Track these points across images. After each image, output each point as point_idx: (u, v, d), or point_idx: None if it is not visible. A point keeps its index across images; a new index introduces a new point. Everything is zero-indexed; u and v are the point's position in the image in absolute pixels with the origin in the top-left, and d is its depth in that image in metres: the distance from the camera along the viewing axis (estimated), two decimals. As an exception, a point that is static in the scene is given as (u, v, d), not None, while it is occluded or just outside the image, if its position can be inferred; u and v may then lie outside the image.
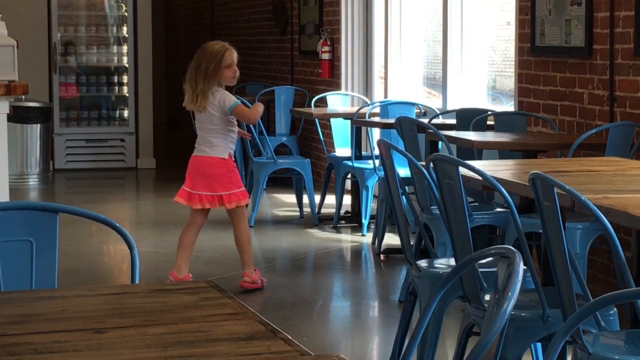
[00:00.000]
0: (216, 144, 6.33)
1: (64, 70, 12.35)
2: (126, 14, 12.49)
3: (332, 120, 9.42)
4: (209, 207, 6.37)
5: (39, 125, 11.54)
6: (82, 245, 7.83)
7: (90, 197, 10.60)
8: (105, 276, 7.07)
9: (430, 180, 4.36)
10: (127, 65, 12.52)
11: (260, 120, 9.10)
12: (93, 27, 12.56)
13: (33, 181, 11.31)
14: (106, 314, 2.40)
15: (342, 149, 9.18)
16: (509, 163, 5.34)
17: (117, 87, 12.62)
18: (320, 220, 8.62)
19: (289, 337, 2.17)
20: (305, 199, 8.77)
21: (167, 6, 18.02)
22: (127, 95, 12.53)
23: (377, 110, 8.57)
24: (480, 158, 6.59)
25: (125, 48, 12.54)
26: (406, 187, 6.97)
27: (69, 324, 2.32)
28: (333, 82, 10.47)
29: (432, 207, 5.57)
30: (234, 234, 6.50)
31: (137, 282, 2.89)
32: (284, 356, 2.08)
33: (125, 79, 12.56)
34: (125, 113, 12.53)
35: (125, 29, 12.54)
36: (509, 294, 2.06)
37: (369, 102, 9.52)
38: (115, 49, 12.63)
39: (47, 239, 2.96)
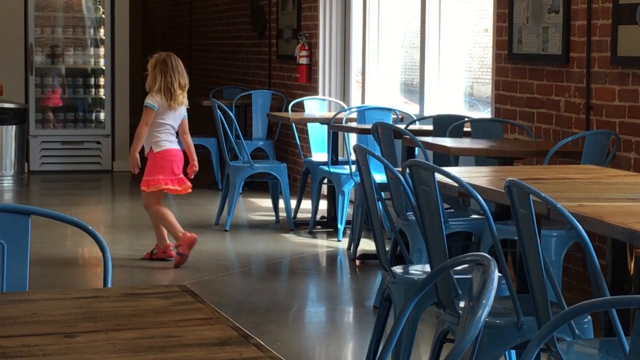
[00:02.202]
0: None
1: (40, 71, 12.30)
2: (104, 15, 12.44)
3: (309, 125, 9.40)
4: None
5: (14, 126, 11.47)
6: (56, 247, 7.78)
7: (65, 199, 10.54)
8: (78, 279, 7.02)
9: (406, 186, 4.35)
10: (104, 68, 12.47)
11: (237, 124, 9.13)
12: (70, 28, 12.50)
13: (7, 183, 11.25)
14: (77, 318, 2.37)
15: (319, 154, 9.16)
16: (485, 170, 5.34)
17: (93, 89, 12.56)
18: (296, 225, 8.59)
19: (262, 342, 2.15)
20: (281, 203, 8.75)
21: (144, 9, 17.97)
22: (103, 97, 12.47)
23: (354, 115, 8.56)
24: (456, 164, 6.59)
25: (102, 50, 12.49)
26: (382, 193, 6.99)
27: (39, 327, 2.30)
28: (310, 87, 10.46)
29: (408, 213, 5.56)
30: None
31: (109, 285, 2.86)
32: (256, 362, 2.06)
33: (102, 81, 12.50)
34: (102, 115, 12.47)
35: (102, 30, 12.48)
36: (484, 301, 2.05)
37: (346, 107, 9.51)
38: (92, 50, 12.57)
39: (18, 242, 2.93)
